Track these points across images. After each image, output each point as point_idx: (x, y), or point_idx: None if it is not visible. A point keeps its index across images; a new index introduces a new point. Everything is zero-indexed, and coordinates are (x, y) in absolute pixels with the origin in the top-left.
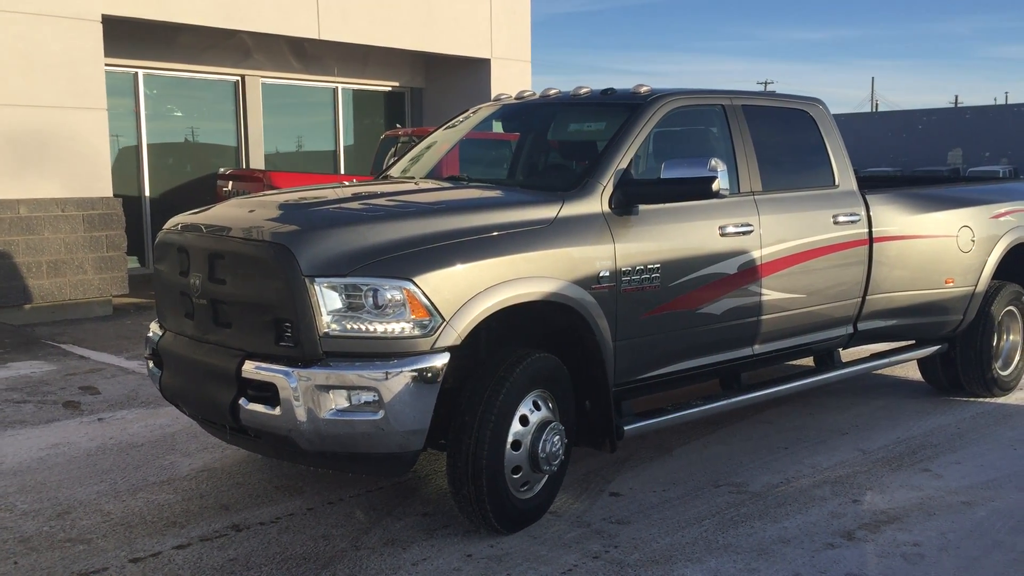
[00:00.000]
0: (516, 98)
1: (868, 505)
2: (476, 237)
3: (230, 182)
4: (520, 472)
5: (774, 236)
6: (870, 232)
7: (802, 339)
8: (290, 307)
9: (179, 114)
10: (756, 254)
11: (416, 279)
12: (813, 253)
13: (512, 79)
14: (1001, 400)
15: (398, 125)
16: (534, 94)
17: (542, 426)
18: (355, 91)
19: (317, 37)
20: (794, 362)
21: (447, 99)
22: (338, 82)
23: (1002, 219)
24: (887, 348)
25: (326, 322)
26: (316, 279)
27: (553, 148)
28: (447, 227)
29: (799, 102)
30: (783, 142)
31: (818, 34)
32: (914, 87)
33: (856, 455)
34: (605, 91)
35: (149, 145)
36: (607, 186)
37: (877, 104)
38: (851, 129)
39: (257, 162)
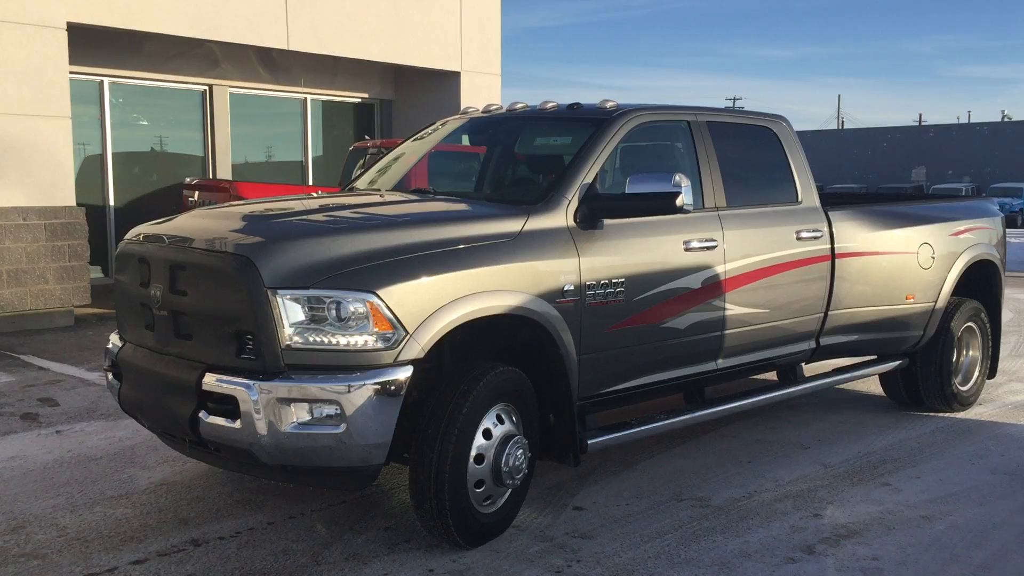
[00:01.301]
0: (483, 111)
1: (829, 519)
2: (440, 250)
3: (196, 192)
4: (483, 486)
5: (738, 251)
6: (832, 248)
7: (765, 354)
8: (252, 319)
9: (145, 123)
10: (720, 269)
11: (379, 292)
12: (776, 268)
13: (482, 92)
14: (961, 415)
15: (367, 137)
16: (501, 108)
17: (505, 440)
18: (324, 102)
19: (286, 47)
20: (757, 376)
21: (417, 111)
22: (307, 93)
23: (961, 236)
24: (849, 363)
25: (288, 334)
26: (279, 291)
27: (519, 162)
28: (411, 240)
29: (763, 119)
30: (747, 158)
31: (786, 52)
32: (880, 105)
33: (818, 469)
34: (571, 106)
35: (114, 154)
36: (572, 200)
37: (843, 122)
38: (817, 146)
39: (224, 172)
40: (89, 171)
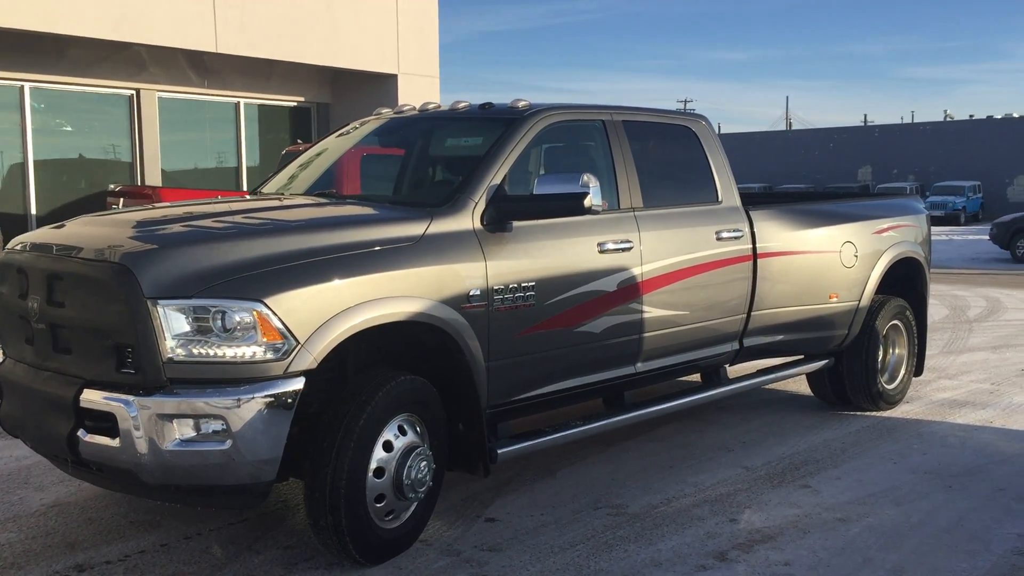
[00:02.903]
0: (395, 112)
1: (745, 524)
2: (335, 255)
3: (120, 199)
4: (384, 500)
5: (655, 253)
6: (754, 248)
7: (687, 356)
8: (131, 331)
9: (69, 129)
10: (636, 271)
11: (267, 300)
12: (696, 269)
13: (420, 94)
14: (887, 413)
15: (299, 140)
16: (414, 108)
17: (408, 452)
18: (259, 106)
19: (215, 50)
20: (683, 379)
21: (354, 114)
22: (240, 97)
23: (884, 234)
24: (775, 363)
25: (170, 347)
26: (159, 301)
27: (431, 164)
28: (304, 245)
29: (682, 118)
30: (665, 158)
31: (738, 54)
32: (827, 107)
33: (739, 472)
34: (483, 105)
35: (36, 161)
36: (479, 202)
37: (791, 123)
38: (766, 147)
39: (154, 178)
40: (9, 179)
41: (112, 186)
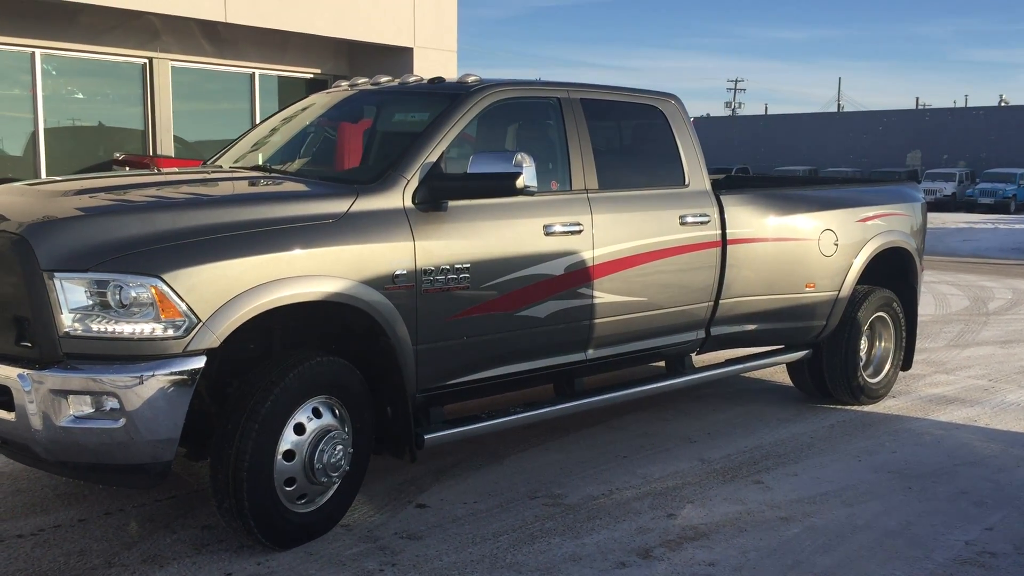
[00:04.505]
0: (350, 86)
1: (681, 520)
2: (246, 232)
3: (126, 167)
4: (295, 484)
5: (609, 236)
6: (723, 234)
7: (645, 344)
8: (27, 303)
9: (81, 96)
10: (587, 255)
11: (166, 276)
12: (655, 255)
13: (436, 69)
14: (868, 408)
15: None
16: (367, 82)
17: (321, 435)
18: (274, 77)
19: (224, 20)
20: (654, 364)
21: None
22: (256, 67)
23: (870, 223)
24: (748, 353)
25: (67, 321)
26: (56, 274)
27: (381, 139)
28: (214, 221)
29: (649, 97)
30: (628, 138)
31: (795, 34)
32: (881, 88)
33: (694, 465)
34: (433, 80)
35: (47, 129)
36: (411, 180)
37: (842, 105)
38: (815, 129)
39: (166, 148)
40: (20, 145)
41: (117, 155)
